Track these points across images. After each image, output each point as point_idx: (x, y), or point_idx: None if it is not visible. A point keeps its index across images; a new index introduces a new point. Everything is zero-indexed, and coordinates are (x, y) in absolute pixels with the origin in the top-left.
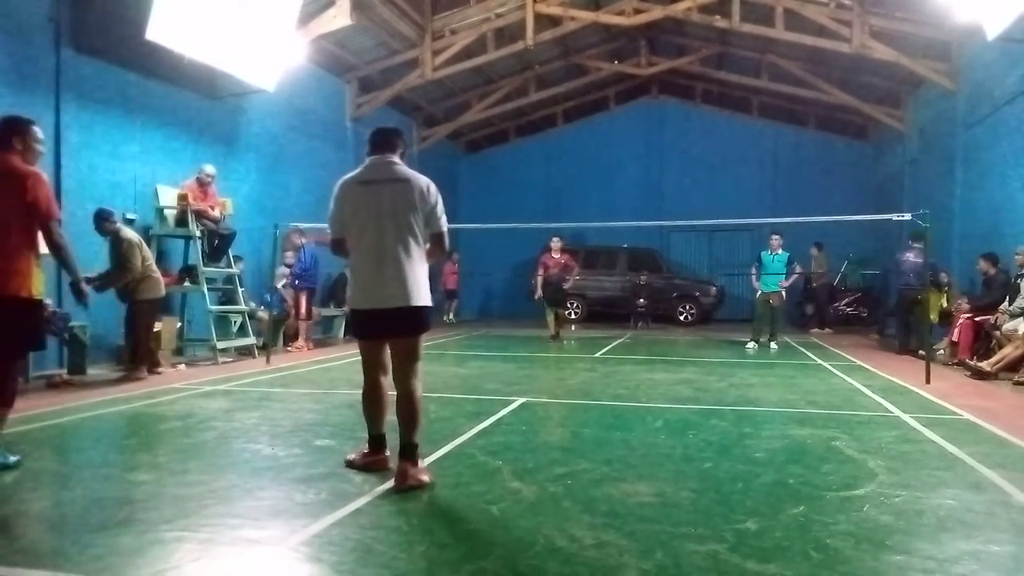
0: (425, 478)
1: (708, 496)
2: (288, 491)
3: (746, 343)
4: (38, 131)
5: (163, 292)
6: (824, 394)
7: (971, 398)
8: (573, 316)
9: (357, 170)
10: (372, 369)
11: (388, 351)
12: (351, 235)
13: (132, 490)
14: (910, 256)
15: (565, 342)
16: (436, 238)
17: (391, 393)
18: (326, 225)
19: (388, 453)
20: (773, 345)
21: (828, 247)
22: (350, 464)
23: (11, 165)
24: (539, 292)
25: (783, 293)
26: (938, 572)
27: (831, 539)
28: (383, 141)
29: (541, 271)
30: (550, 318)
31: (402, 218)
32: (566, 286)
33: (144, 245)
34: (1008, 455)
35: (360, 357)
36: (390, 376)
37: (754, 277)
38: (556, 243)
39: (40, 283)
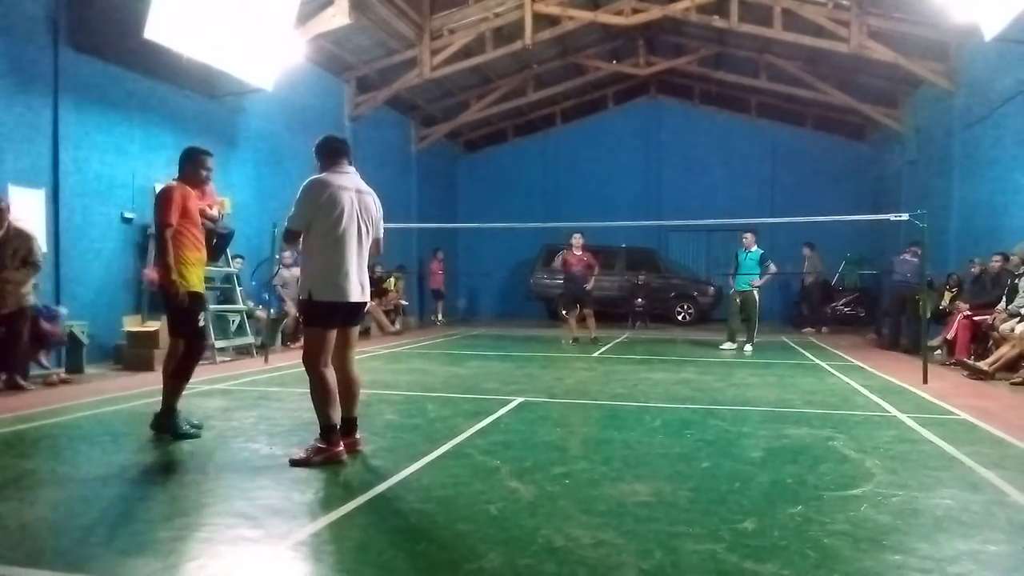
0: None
1: (706, 495)
2: (286, 490)
3: (744, 345)
4: (206, 160)
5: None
6: (822, 394)
7: (968, 398)
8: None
9: (329, 174)
10: (328, 358)
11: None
12: (323, 232)
13: (130, 489)
14: (907, 256)
15: (565, 343)
16: (378, 243)
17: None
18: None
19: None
20: (727, 346)
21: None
22: (333, 456)
23: (163, 187)
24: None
25: (755, 293)
26: (935, 572)
27: (828, 539)
28: (344, 151)
29: (563, 268)
30: (572, 320)
31: (368, 224)
32: (588, 286)
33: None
34: (1005, 455)
35: (316, 349)
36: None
37: (731, 277)
38: (578, 240)
39: (190, 278)
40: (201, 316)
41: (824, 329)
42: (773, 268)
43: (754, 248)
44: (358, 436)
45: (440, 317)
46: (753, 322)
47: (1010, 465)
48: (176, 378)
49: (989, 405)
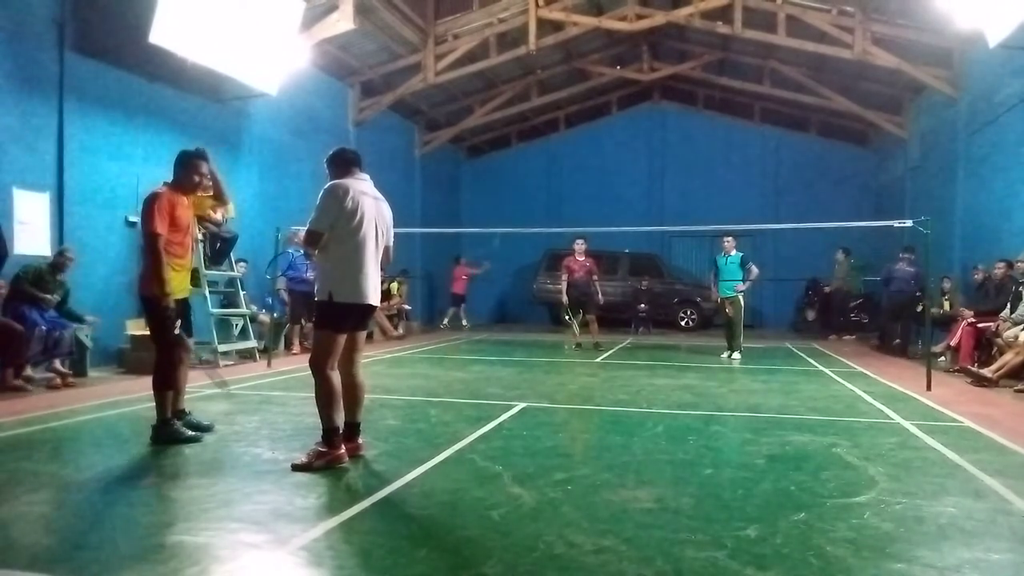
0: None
1: (708, 502)
2: (289, 495)
3: (732, 354)
4: (200, 165)
5: None
6: (825, 400)
7: (972, 405)
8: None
9: (349, 179)
10: (335, 361)
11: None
12: (346, 236)
13: (132, 493)
14: (903, 264)
15: (568, 348)
16: (388, 251)
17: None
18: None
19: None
20: (735, 356)
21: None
22: (336, 459)
23: (150, 194)
24: (565, 298)
25: (740, 298)
26: None
27: (831, 546)
28: (357, 161)
29: (566, 275)
30: (575, 326)
31: (383, 230)
32: (593, 293)
33: None
34: (1009, 462)
35: (326, 351)
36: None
37: (712, 284)
38: (580, 245)
39: (168, 285)
40: (177, 324)
41: (849, 336)
42: (756, 271)
43: (734, 252)
44: (360, 441)
45: (446, 322)
46: (739, 328)
47: (1014, 473)
48: (160, 389)
49: (993, 412)
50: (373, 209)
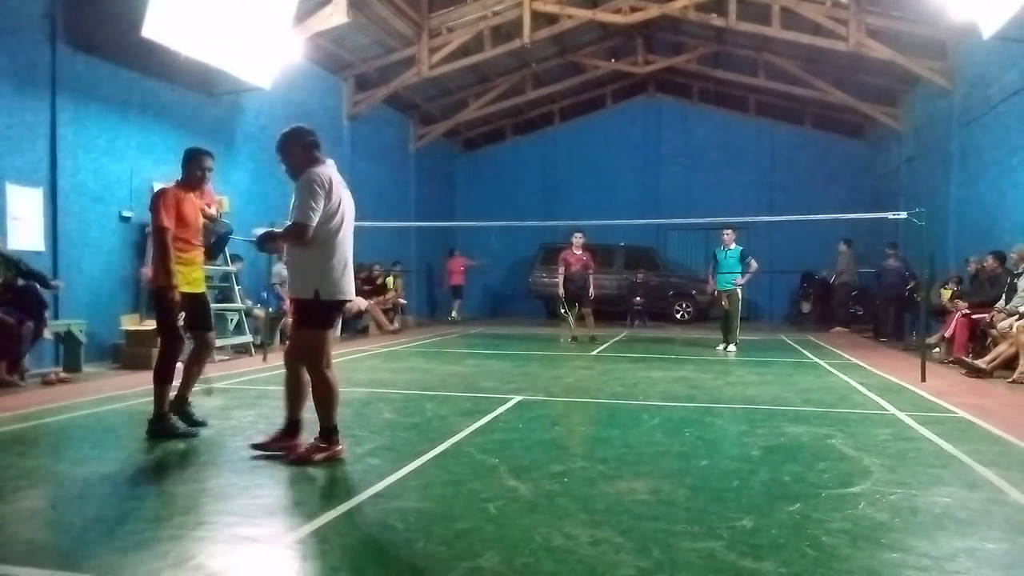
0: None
1: (704, 494)
2: (284, 489)
3: (727, 346)
4: (203, 159)
5: None
6: (820, 392)
7: (966, 396)
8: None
9: (325, 167)
10: (329, 359)
11: None
12: (328, 228)
13: (128, 488)
14: (891, 261)
15: (564, 342)
16: None
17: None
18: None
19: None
20: (731, 348)
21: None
22: (334, 456)
23: (157, 190)
24: (562, 291)
25: (739, 292)
26: (933, 569)
27: (827, 536)
28: (320, 143)
29: (563, 269)
30: (571, 319)
31: (352, 219)
32: (589, 288)
33: None
34: (1003, 453)
35: (318, 350)
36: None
37: (711, 277)
38: (578, 239)
39: (177, 279)
40: (181, 317)
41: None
42: (755, 265)
43: (733, 246)
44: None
45: (454, 315)
46: (735, 321)
47: (1008, 463)
48: (160, 382)
49: (987, 403)
50: (347, 198)
